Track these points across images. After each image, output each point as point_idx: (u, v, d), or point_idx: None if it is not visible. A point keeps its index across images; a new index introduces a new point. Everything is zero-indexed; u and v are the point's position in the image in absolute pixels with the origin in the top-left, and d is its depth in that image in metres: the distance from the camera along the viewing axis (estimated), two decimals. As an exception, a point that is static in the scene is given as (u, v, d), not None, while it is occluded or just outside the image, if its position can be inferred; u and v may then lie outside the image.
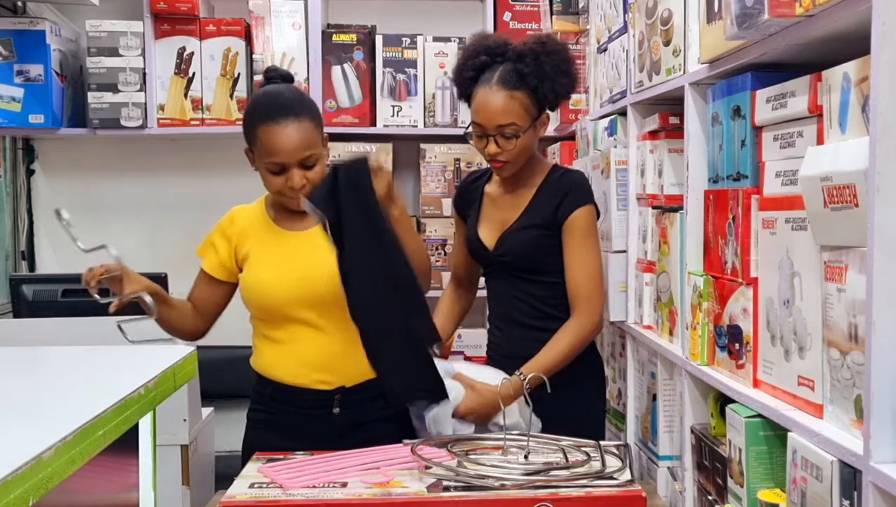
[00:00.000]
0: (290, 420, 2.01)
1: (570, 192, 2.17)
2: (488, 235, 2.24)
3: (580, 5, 3.00)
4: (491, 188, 2.30)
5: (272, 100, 1.98)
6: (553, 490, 1.65)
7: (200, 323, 2.14)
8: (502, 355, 2.23)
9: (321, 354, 2.03)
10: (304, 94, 2.12)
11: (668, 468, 2.08)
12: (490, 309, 2.33)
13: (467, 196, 2.34)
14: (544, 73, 2.10)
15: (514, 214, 2.21)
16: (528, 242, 2.18)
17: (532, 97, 2.11)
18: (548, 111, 2.19)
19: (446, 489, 1.66)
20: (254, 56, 3.48)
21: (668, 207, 2.03)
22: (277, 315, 2.03)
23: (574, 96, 2.38)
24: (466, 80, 2.18)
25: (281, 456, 1.88)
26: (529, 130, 2.13)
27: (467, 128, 2.19)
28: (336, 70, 3.52)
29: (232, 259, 2.08)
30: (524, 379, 2.04)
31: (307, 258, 2.01)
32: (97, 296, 1.95)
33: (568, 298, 2.17)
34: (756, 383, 1.54)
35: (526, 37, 2.20)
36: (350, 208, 1.88)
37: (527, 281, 2.20)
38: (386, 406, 2.03)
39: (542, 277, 2.20)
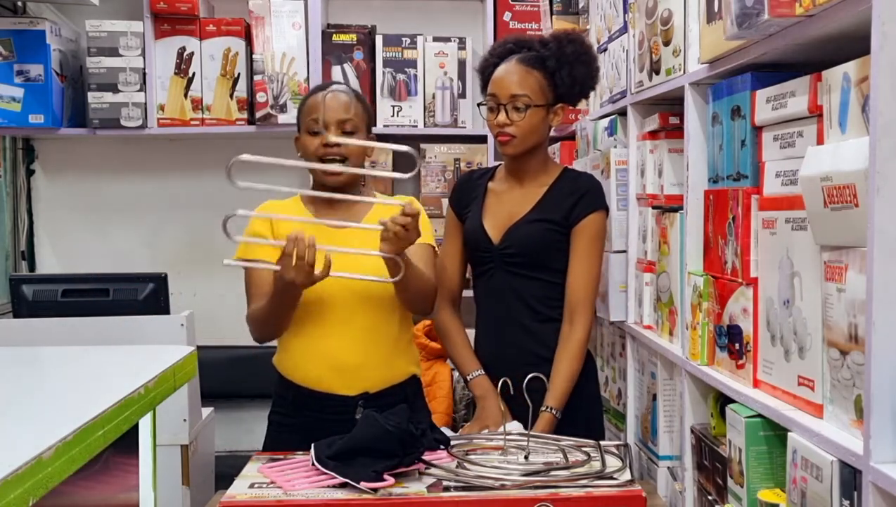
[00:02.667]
0: (313, 425, 1.99)
1: (587, 193, 2.18)
2: (493, 228, 2.22)
3: (580, 5, 2.99)
4: (495, 185, 2.28)
5: (328, 82, 2.33)
6: (553, 490, 1.65)
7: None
8: (491, 353, 2.21)
9: (349, 355, 2.03)
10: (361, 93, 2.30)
11: (668, 468, 2.08)
12: (480, 310, 2.28)
13: (468, 191, 2.31)
14: (564, 57, 2.15)
15: (523, 209, 2.20)
16: (538, 236, 2.17)
17: (549, 81, 2.16)
18: (563, 105, 2.21)
19: (446, 489, 1.66)
20: (254, 56, 3.48)
21: (668, 207, 2.03)
22: (312, 308, 2.01)
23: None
24: (490, 66, 2.23)
25: (281, 456, 1.88)
26: (541, 109, 2.15)
27: (480, 104, 2.24)
28: (336, 70, 3.52)
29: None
30: (556, 413, 2.08)
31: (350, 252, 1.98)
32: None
33: (565, 299, 2.17)
34: (756, 383, 1.54)
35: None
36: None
37: (525, 278, 2.19)
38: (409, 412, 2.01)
39: (542, 274, 2.19)
